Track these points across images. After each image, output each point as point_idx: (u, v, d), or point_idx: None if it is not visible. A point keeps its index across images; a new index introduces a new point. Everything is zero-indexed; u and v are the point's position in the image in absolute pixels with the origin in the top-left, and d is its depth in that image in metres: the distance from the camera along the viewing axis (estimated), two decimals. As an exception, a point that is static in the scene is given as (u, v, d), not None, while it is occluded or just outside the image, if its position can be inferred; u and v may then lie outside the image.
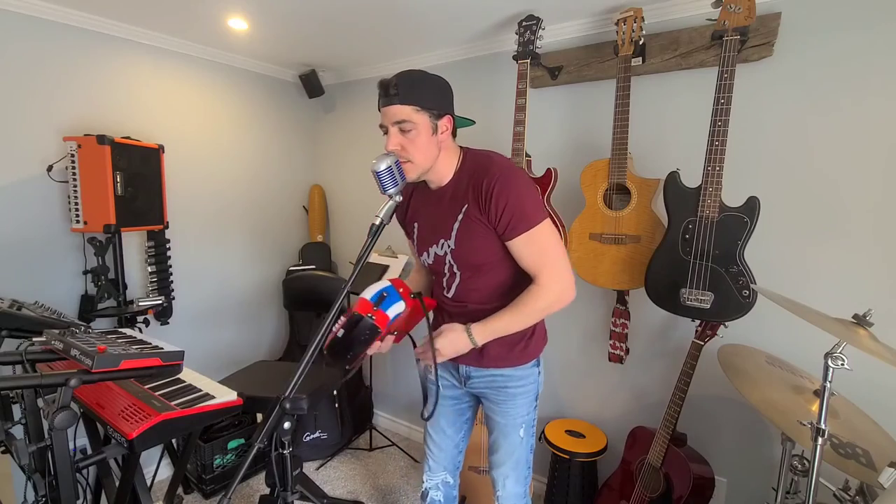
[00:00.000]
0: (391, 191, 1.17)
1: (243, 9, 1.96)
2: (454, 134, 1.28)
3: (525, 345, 1.35)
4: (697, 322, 1.65)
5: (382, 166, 1.12)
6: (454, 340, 1.23)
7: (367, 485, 2.48)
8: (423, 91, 1.17)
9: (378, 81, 1.18)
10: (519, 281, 1.29)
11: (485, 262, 1.27)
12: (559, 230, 1.87)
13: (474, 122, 1.29)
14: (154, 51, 2.29)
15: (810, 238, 1.65)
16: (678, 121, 1.84)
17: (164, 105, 2.36)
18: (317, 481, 2.47)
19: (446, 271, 1.33)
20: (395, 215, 1.36)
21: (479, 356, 1.33)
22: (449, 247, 1.29)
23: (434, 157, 1.22)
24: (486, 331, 1.23)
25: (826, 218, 1.62)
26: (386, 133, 1.20)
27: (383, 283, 1.20)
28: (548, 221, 1.22)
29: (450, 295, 1.35)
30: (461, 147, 1.31)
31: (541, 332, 1.41)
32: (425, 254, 1.36)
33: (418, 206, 1.37)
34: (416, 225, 1.37)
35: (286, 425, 1.12)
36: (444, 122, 1.20)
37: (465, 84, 2.41)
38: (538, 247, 1.21)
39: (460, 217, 1.25)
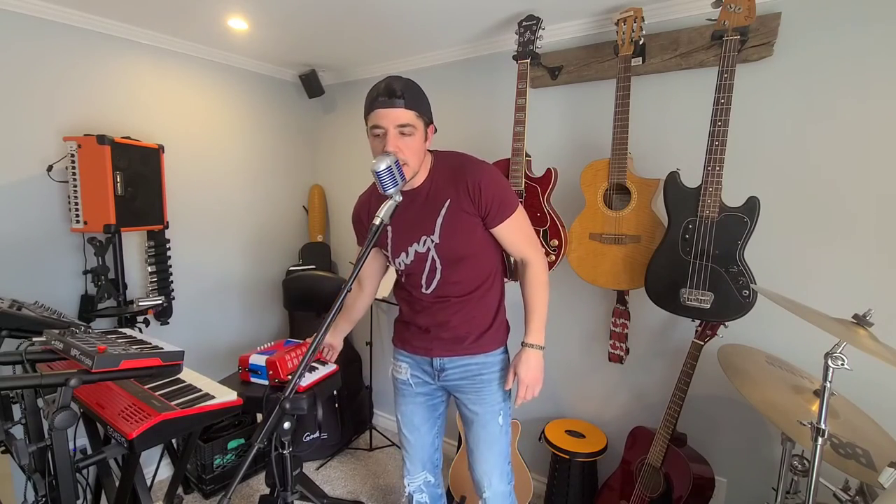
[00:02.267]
0: (391, 190, 1.17)
1: (243, 9, 1.96)
2: None
3: (494, 331, 1.44)
4: (697, 322, 1.65)
5: (382, 166, 1.12)
6: (533, 367, 1.36)
7: (367, 485, 2.48)
8: (422, 99, 1.25)
9: (383, 83, 1.20)
10: (491, 270, 1.41)
11: (467, 253, 1.35)
12: (560, 230, 1.87)
13: (436, 130, 1.39)
14: (154, 51, 2.29)
15: (810, 238, 1.65)
16: (678, 121, 1.84)
17: (164, 105, 2.36)
18: (317, 481, 2.47)
19: (427, 268, 1.36)
20: (356, 223, 1.50)
21: (456, 345, 1.41)
22: (433, 241, 1.33)
23: (422, 160, 1.29)
24: (538, 331, 1.37)
25: (826, 218, 1.62)
26: (378, 135, 1.21)
27: (259, 360, 1.94)
28: (521, 204, 1.40)
29: (429, 291, 1.39)
30: (430, 152, 1.39)
31: (503, 320, 1.50)
32: (403, 254, 1.38)
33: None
34: (388, 229, 1.39)
35: (286, 425, 1.12)
36: (430, 130, 1.30)
37: (465, 84, 2.41)
38: (520, 226, 1.37)
39: (443, 211, 1.31)
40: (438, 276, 1.36)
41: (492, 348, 1.43)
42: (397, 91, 1.18)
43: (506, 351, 1.49)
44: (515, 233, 1.36)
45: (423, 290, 1.40)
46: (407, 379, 1.51)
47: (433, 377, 1.46)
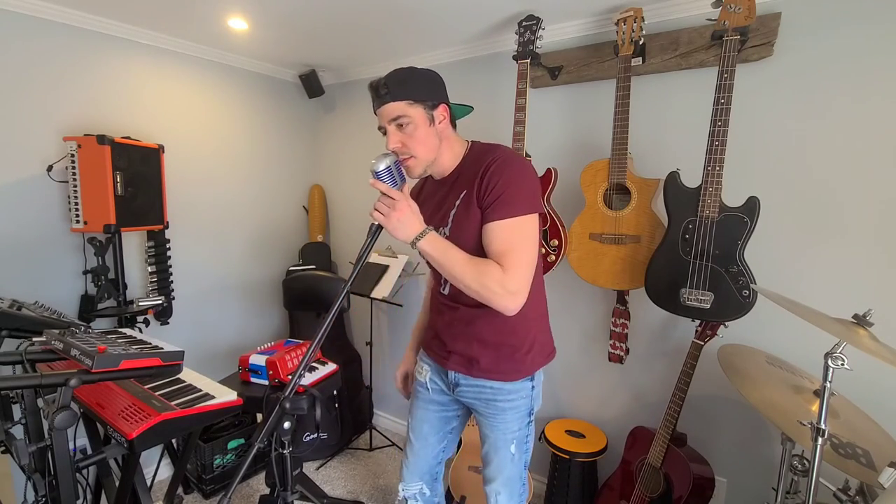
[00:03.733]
0: None
1: (243, 9, 1.96)
2: (453, 124, 1.27)
3: (520, 359, 1.27)
4: (697, 322, 1.65)
5: (381, 166, 1.11)
6: (407, 216, 1.10)
7: (367, 485, 2.48)
8: (413, 85, 1.16)
9: (368, 84, 1.19)
10: None
11: (476, 249, 1.17)
12: (560, 230, 1.87)
13: (472, 109, 1.30)
14: (154, 51, 2.29)
15: (810, 238, 1.65)
16: (678, 121, 1.84)
17: (164, 105, 2.36)
18: (317, 481, 2.47)
19: None
20: None
21: (470, 365, 1.28)
22: (444, 234, 1.22)
23: (436, 147, 1.21)
24: (437, 245, 1.12)
25: (826, 218, 1.62)
26: (385, 134, 1.20)
27: (259, 361, 2.05)
28: (534, 219, 1.15)
29: (445, 291, 1.32)
30: (469, 141, 1.29)
31: (540, 347, 1.31)
32: None
33: (425, 200, 1.33)
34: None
35: (286, 425, 1.12)
36: (440, 112, 1.19)
37: (465, 84, 2.41)
38: (511, 237, 1.12)
39: (458, 202, 1.21)
40: None
41: (512, 378, 1.26)
42: (381, 88, 1.15)
43: (531, 379, 1.29)
44: (502, 240, 1.12)
45: (441, 290, 1.33)
46: (425, 382, 1.42)
47: (449, 389, 1.38)
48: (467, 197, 1.19)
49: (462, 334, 1.29)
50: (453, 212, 1.21)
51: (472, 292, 1.13)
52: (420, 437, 1.45)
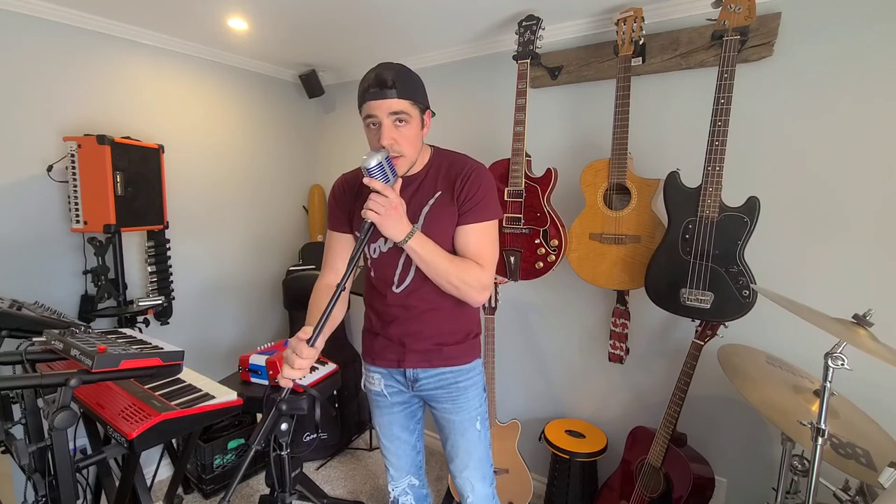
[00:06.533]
0: None
1: (243, 9, 1.96)
2: None
3: (471, 342, 1.40)
4: (697, 322, 1.65)
5: (373, 162, 1.09)
6: (400, 214, 1.15)
7: (367, 485, 2.48)
8: (416, 86, 1.20)
9: (373, 73, 1.16)
10: None
11: (446, 248, 1.25)
12: (560, 230, 1.87)
13: (434, 114, 1.34)
14: (154, 51, 2.29)
15: (810, 238, 1.65)
16: (678, 121, 1.84)
17: (164, 105, 2.36)
18: (317, 481, 2.47)
19: (402, 260, 1.28)
20: (336, 205, 1.39)
21: (430, 357, 1.34)
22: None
23: (419, 149, 1.26)
24: (426, 244, 1.19)
25: (826, 218, 1.62)
26: (374, 126, 1.17)
27: (259, 361, 2.03)
28: (497, 223, 1.31)
29: (399, 290, 1.31)
30: (431, 146, 1.35)
31: (478, 330, 1.46)
32: (381, 240, 1.29)
33: None
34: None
35: (283, 427, 1.12)
36: (427, 118, 1.26)
37: (465, 84, 2.41)
38: (486, 239, 1.28)
39: (431, 202, 1.26)
40: (413, 270, 1.28)
41: (470, 359, 1.38)
42: (388, 81, 1.13)
43: (480, 358, 1.45)
44: (478, 241, 1.26)
45: (394, 289, 1.31)
46: (381, 390, 1.43)
47: (407, 387, 1.41)
48: (444, 197, 1.26)
49: (421, 333, 1.33)
50: (426, 209, 1.26)
51: (451, 287, 1.23)
52: (394, 439, 1.48)
